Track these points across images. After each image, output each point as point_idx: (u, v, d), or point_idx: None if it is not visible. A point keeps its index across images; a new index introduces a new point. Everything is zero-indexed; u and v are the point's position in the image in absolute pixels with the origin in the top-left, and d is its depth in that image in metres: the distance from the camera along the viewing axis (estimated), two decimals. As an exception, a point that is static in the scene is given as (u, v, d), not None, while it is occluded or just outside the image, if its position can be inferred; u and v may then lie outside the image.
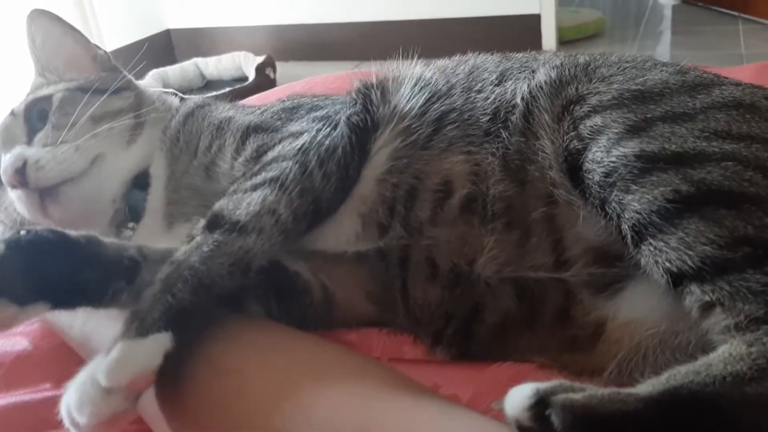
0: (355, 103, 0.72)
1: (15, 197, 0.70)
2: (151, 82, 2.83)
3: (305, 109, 0.76)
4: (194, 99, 0.84)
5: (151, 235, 0.71)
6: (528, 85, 0.68)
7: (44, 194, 0.69)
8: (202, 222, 0.61)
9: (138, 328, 0.52)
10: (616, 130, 0.58)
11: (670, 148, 0.56)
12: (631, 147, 0.56)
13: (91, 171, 0.72)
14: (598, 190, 0.57)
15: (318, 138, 0.68)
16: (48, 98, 0.76)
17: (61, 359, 0.69)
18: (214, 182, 0.72)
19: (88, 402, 0.49)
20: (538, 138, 0.64)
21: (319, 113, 0.73)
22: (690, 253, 0.51)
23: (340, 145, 0.68)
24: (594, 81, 0.65)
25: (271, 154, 0.69)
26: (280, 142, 0.70)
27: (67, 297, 0.58)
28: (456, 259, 0.65)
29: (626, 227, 0.55)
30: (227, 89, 2.71)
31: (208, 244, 0.58)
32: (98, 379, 0.49)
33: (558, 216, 0.63)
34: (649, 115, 0.59)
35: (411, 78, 0.74)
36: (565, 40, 3.06)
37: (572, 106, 0.63)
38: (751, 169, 0.54)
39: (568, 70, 0.69)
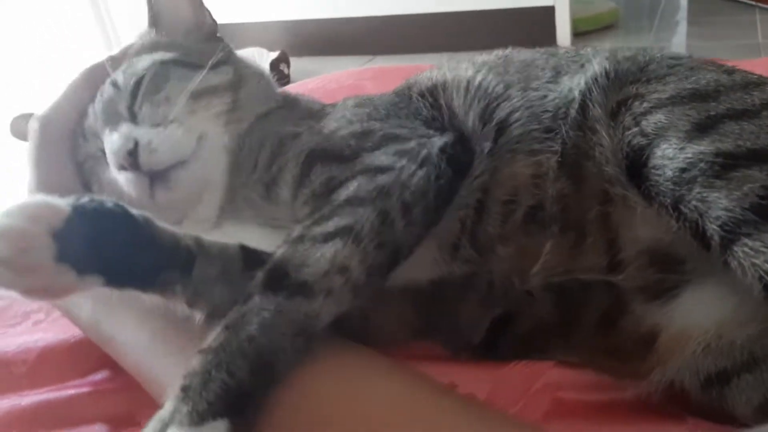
0: (442, 127, 0.66)
1: (123, 180, 0.65)
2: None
3: (379, 135, 0.66)
4: (278, 95, 0.78)
5: (195, 225, 0.65)
6: (583, 79, 0.66)
7: (154, 178, 0.65)
8: (261, 277, 0.54)
9: (190, 414, 0.46)
10: (683, 128, 0.56)
11: (745, 145, 0.54)
12: (705, 144, 0.54)
13: (198, 152, 0.67)
14: (672, 187, 0.54)
15: (402, 178, 0.60)
16: (149, 69, 0.71)
17: (86, 354, 0.70)
18: (273, 205, 0.66)
19: None
20: (594, 132, 0.62)
21: (400, 146, 0.64)
22: None
23: (432, 189, 0.60)
24: (652, 81, 0.63)
25: (344, 194, 0.60)
26: (354, 177, 0.61)
27: (120, 275, 0.54)
28: (512, 275, 0.62)
29: (714, 227, 0.51)
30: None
31: (270, 310, 0.51)
32: None
33: (613, 214, 0.60)
34: (712, 113, 0.57)
35: (464, 84, 0.69)
36: (579, 32, 3.04)
37: (631, 101, 0.61)
38: None
39: (622, 63, 0.67)
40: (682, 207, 0.53)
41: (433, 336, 0.65)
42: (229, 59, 0.77)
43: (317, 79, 1.32)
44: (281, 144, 0.68)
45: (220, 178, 0.69)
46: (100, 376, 0.69)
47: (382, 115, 0.70)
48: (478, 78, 0.69)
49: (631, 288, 0.59)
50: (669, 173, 0.54)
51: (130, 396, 0.65)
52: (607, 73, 0.65)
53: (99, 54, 0.80)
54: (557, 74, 0.69)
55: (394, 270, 0.59)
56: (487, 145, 0.64)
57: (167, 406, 0.47)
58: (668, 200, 0.54)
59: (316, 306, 0.52)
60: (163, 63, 0.72)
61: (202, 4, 0.79)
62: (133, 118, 0.69)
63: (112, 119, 0.69)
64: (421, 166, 0.60)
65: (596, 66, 0.67)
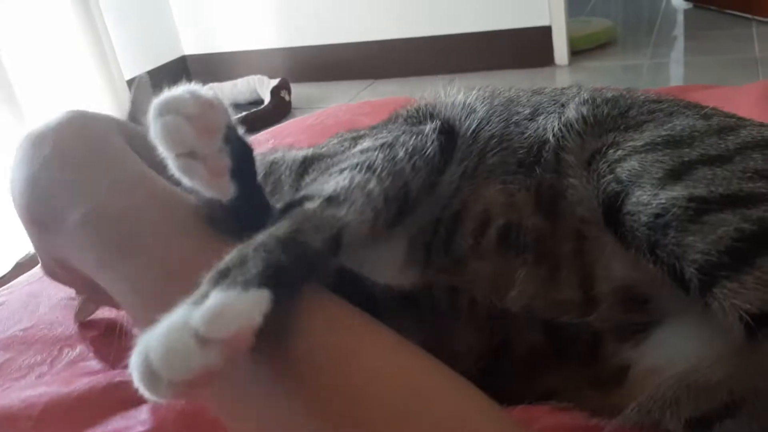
0: (432, 120, 0.71)
1: None
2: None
3: (370, 135, 0.72)
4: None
5: None
6: (557, 123, 0.68)
7: None
8: (287, 202, 0.56)
9: (236, 279, 0.45)
10: (657, 174, 0.57)
11: (718, 191, 0.55)
12: (678, 190, 0.55)
13: None
14: (647, 232, 0.55)
15: (401, 138, 0.66)
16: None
17: (89, 407, 0.71)
18: None
19: (179, 352, 0.42)
20: (568, 177, 0.64)
21: (396, 132, 0.70)
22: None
23: (429, 146, 0.65)
24: (629, 129, 0.65)
25: (351, 153, 0.66)
26: (352, 155, 0.66)
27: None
28: (492, 295, 0.64)
29: (691, 270, 0.52)
30: (243, 113, 2.75)
31: (298, 213, 0.53)
32: (195, 327, 0.42)
33: (587, 252, 0.62)
34: (685, 159, 0.58)
35: (459, 104, 0.73)
36: (577, 50, 3.06)
37: (605, 149, 0.62)
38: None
39: (600, 107, 0.68)
40: (658, 251, 0.54)
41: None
42: None
43: (314, 116, 1.33)
44: (268, 172, 0.71)
45: None
46: (101, 429, 0.70)
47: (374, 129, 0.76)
48: (468, 100, 0.73)
49: (604, 328, 0.60)
50: (644, 219, 0.55)
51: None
52: (584, 119, 0.66)
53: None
54: (535, 112, 0.71)
55: (408, 211, 0.63)
56: (472, 161, 0.67)
57: (201, 288, 0.46)
58: (644, 245, 0.55)
59: (341, 212, 0.54)
60: None
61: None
62: None
63: None
64: (415, 136, 0.66)
65: (572, 111, 0.68)
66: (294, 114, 2.91)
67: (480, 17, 3.04)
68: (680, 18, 3.50)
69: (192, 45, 3.54)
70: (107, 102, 2.92)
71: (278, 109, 2.87)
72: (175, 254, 0.55)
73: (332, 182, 0.58)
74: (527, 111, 0.71)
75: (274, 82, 2.94)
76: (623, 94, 0.72)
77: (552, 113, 0.70)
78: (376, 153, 0.62)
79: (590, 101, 0.69)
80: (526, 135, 0.69)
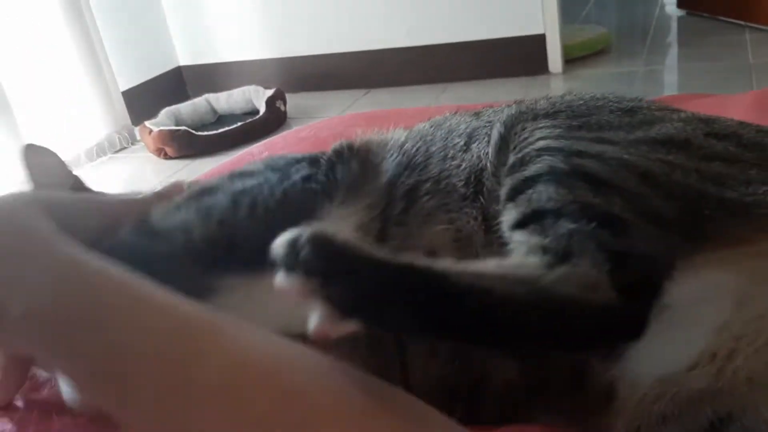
0: (319, 166, 0.70)
1: None
2: (163, 119, 2.88)
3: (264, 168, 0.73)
4: None
5: None
6: (489, 145, 0.67)
7: None
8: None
9: None
10: (539, 136, 0.60)
11: (575, 147, 0.57)
12: (539, 144, 0.59)
13: None
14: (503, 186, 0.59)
15: (263, 185, 0.67)
16: None
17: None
18: None
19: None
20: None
21: (277, 173, 0.71)
22: (526, 205, 0.54)
23: (281, 193, 0.66)
24: (539, 117, 0.66)
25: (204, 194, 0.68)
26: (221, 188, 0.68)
27: None
28: None
29: (500, 205, 0.57)
30: (239, 123, 2.75)
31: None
32: None
33: None
34: (577, 135, 0.60)
35: (387, 147, 0.72)
36: (571, 58, 3.07)
37: (516, 136, 0.64)
38: (635, 174, 0.54)
39: (519, 116, 0.67)
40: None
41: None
42: None
43: (308, 128, 1.33)
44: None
45: None
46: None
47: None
48: (406, 145, 0.71)
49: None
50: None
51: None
52: (500, 136, 0.66)
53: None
54: (469, 141, 0.70)
55: (230, 258, 0.64)
56: (395, 211, 0.66)
57: None
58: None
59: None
60: None
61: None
62: None
63: None
64: (280, 181, 0.67)
65: (495, 132, 0.67)
66: (289, 124, 2.91)
67: (474, 26, 3.05)
68: (674, 25, 3.51)
69: (187, 56, 3.54)
70: (101, 113, 2.92)
71: (274, 120, 2.87)
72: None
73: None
74: (462, 142, 0.70)
75: (270, 92, 2.94)
76: (555, 104, 0.70)
77: (483, 138, 0.69)
78: (219, 197, 0.65)
79: (514, 117, 0.68)
80: (462, 167, 0.67)
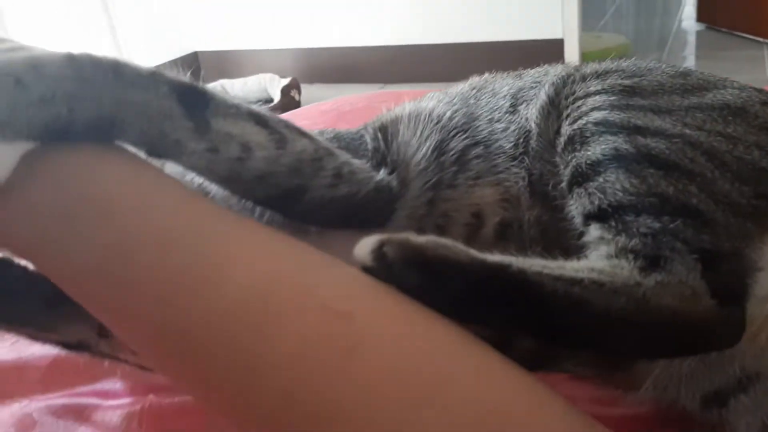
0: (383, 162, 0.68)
1: None
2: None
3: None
4: None
5: None
6: (536, 107, 0.66)
7: None
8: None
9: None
10: (592, 106, 0.59)
11: (634, 122, 0.56)
12: (595, 116, 0.57)
13: None
14: (561, 160, 0.58)
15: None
16: None
17: (96, 363, 0.71)
18: None
19: None
20: (551, 158, 0.63)
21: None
22: (600, 196, 0.52)
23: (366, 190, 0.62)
24: (588, 78, 0.65)
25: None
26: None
27: None
28: None
29: (564, 184, 0.56)
30: (252, 110, 2.75)
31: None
32: None
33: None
34: (632, 103, 0.59)
35: (419, 117, 0.70)
36: (588, 65, 3.07)
37: (567, 101, 0.63)
38: (701, 152, 0.53)
39: (567, 79, 0.67)
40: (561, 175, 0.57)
41: None
42: None
43: (331, 102, 1.33)
44: None
45: None
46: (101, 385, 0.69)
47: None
48: (440, 109, 0.70)
49: None
50: (560, 147, 0.60)
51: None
52: (549, 98, 0.65)
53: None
54: (515, 103, 0.69)
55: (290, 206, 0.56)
56: (446, 176, 0.65)
57: None
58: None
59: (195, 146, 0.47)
60: None
61: None
62: None
63: None
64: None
65: (542, 94, 0.66)
66: (303, 113, 2.91)
67: (493, 27, 3.05)
68: (692, 38, 3.51)
69: (204, 41, 3.55)
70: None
71: (287, 108, 2.87)
72: None
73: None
74: (508, 104, 0.69)
75: (285, 81, 2.94)
76: (608, 66, 0.69)
77: (531, 100, 0.68)
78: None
79: (562, 79, 0.67)
80: (510, 129, 0.67)
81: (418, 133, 0.68)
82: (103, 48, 2.88)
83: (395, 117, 0.72)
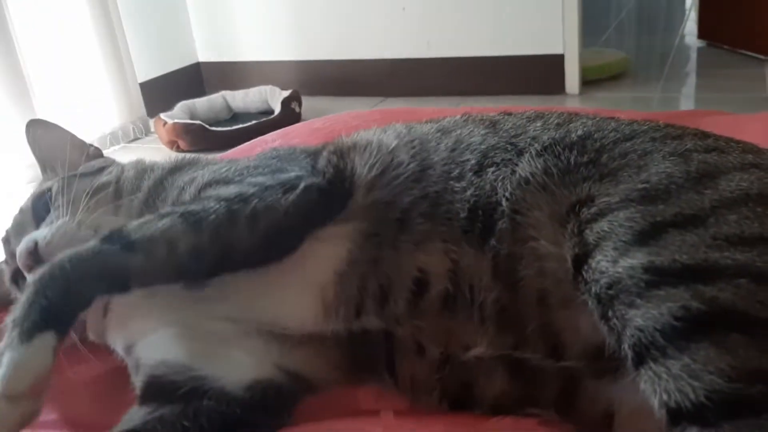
0: (323, 174, 0.69)
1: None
2: (178, 113, 2.89)
3: (271, 168, 0.73)
4: (164, 164, 0.85)
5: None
6: (510, 182, 0.62)
7: None
8: (105, 234, 0.63)
9: (20, 335, 0.54)
10: (623, 238, 0.54)
11: (681, 260, 0.51)
12: (639, 258, 0.52)
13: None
14: (600, 301, 0.52)
15: (265, 194, 0.66)
16: (48, 189, 0.80)
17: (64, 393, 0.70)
18: None
19: None
20: (530, 238, 0.60)
21: (282, 176, 0.70)
22: (695, 384, 0.45)
23: (283, 210, 0.65)
24: (605, 179, 0.60)
25: (210, 192, 0.68)
26: (231, 184, 0.70)
27: None
28: (444, 347, 0.62)
29: (626, 346, 0.49)
30: (253, 122, 2.76)
31: (89, 250, 0.60)
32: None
33: (555, 322, 0.60)
34: (658, 219, 0.55)
35: (377, 156, 0.69)
36: (588, 80, 3.07)
37: (581, 206, 0.58)
38: (765, 285, 0.49)
39: (563, 155, 0.63)
40: (608, 321, 0.52)
41: (380, 381, 0.67)
42: (113, 163, 0.88)
43: (323, 120, 1.34)
44: (181, 190, 0.74)
45: None
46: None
47: (281, 156, 0.77)
48: (401, 156, 0.69)
49: (577, 368, 0.59)
50: (599, 288, 0.53)
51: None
52: (545, 171, 0.62)
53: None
54: (483, 162, 0.65)
55: (222, 268, 0.65)
56: (391, 230, 0.65)
57: (3, 341, 0.55)
58: (597, 313, 0.53)
59: (134, 261, 0.60)
60: (63, 179, 0.79)
61: (81, 141, 0.91)
62: (38, 226, 0.75)
63: (20, 238, 0.74)
64: (285, 192, 0.66)
65: (527, 165, 0.63)
66: (303, 126, 2.91)
67: (494, 42, 3.06)
68: (693, 55, 3.51)
69: (207, 52, 3.56)
70: (117, 103, 2.94)
71: (287, 121, 2.87)
72: None
73: (144, 227, 0.62)
74: (474, 161, 0.66)
75: (286, 93, 2.95)
76: (591, 133, 0.66)
77: (503, 165, 0.64)
78: (218, 206, 0.64)
79: (551, 149, 0.64)
80: (469, 192, 0.63)
81: (376, 174, 0.69)
82: (107, 58, 2.89)
83: (352, 144, 0.73)
